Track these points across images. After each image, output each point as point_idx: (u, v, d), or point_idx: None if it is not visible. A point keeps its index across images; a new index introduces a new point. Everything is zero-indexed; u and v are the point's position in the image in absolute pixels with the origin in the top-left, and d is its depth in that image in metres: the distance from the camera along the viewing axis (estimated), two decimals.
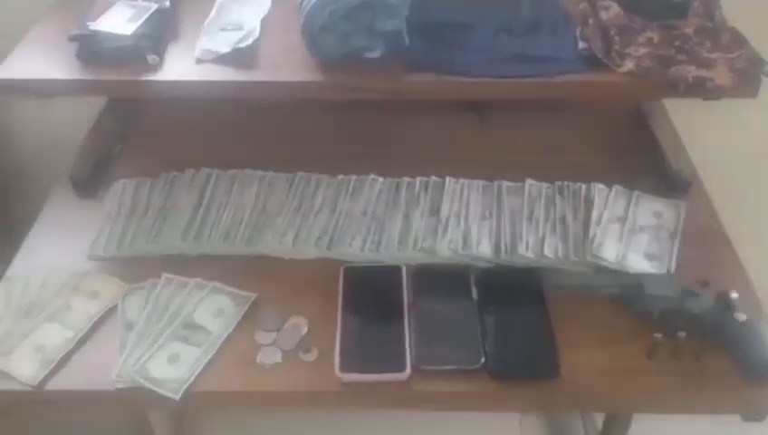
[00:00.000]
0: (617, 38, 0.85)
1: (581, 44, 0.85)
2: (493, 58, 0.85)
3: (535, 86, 0.82)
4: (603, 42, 0.85)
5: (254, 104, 1.01)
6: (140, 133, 1.09)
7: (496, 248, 0.88)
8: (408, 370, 0.74)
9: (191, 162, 1.00)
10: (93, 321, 0.80)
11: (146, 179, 0.98)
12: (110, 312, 0.81)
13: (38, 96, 0.86)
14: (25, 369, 0.75)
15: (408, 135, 1.07)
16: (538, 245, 0.88)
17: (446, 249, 0.88)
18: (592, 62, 0.83)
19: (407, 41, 0.83)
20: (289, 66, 0.84)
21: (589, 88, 0.83)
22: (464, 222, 0.92)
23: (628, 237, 0.90)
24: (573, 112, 1.10)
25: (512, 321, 0.79)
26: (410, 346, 0.76)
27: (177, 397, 0.73)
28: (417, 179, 0.98)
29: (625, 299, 0.81)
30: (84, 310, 0.81)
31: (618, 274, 0.85)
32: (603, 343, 0.78)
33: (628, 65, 0.83)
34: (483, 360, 0.75)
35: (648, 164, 1.02)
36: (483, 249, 0.88)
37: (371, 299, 0.82)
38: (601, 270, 0.86)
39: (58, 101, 0.87)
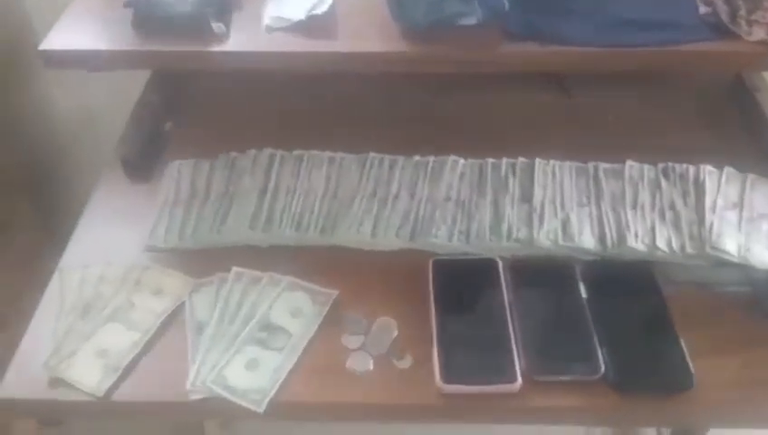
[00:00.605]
0: (741, 2, 0.75)
1: (703, 8, 0.75)
2: (601, 24, 0.75)
3: (656, 56, 0.72)
4: (728, 5, 0.75)
5: (316, 76, 0.91)
6: (191, 108, 0.99)
7: (601, 239, 0.79)
8: (520, 380, 0.65)
9: (249, 141, 0.90)
10: (161, 320, 0.72)
11: (204, 161, 0.89)
12: (175, 311, 0.73)
13: (91, 69, 0.77)
14: (89, 377, 0.67)
15: (487, 112, 0.97)
16: (648, 235, 0.79)
17: (544, 240, 0.79)
18: (716, 29, 0.73)
19: (506, 5, 0.73)
20: (371, 35, 0.74)
21: (717, 58, 0.73)
22: (560, 209, 0.82)
23: (748, 226, 0.80)
24: (664, 85, 1.00)
25: (629, 323, 0.70)
26: (519, 353, 0.67)
27: (261, 410, 0.65)
28: (504, 161, 0.88)
29: (757, 297, 0.72)
30: (149, 308, 0.73)
31: (741, 268, 0.75)
32: (734, 349, 0.69)
33: (760, 33, 0.72)
34: (602, 369, 0.66)
35: (756, 144, 0.92)
36: (586, 240, 0.79)
37: (467, 296, 0.73)
38: (722, 264, 0.76)
39: (99, 74, 0.79)
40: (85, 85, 1.06)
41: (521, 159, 0.88)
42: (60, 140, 1.22)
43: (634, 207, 0.82)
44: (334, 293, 0.74)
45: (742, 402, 0.67)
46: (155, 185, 0.88)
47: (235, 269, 0.76)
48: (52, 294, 0.75)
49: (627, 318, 0.71)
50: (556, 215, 0.81)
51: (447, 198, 0.84)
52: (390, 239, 0.80)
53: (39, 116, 1.18)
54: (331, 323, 0.72)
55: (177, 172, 0.89)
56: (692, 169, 0.86)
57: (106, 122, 1.03)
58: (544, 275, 0.75)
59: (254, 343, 0.69)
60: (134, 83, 0.99)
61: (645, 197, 0.83)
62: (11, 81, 1.11)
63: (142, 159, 0.91)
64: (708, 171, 0.86)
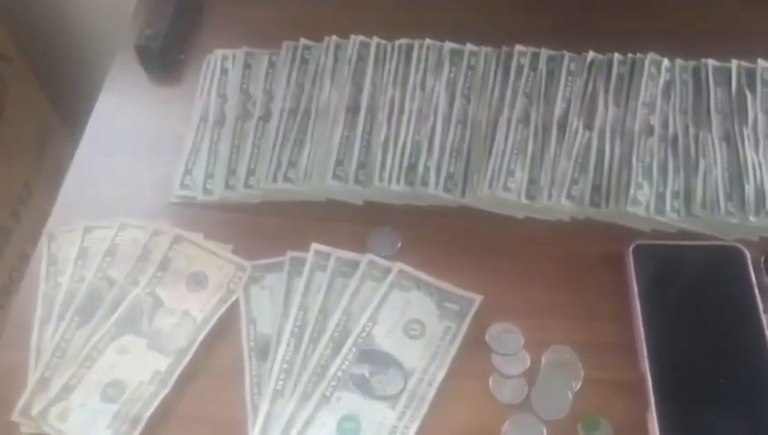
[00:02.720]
0: None
1: None
2: None
3: None
4: None
5: None
6: None
7: None
8: None
9: (327, 22, 0.59)
10: (202, 336, 0.45)
11: (260, 52, 0.59)
12: (226, 313, 0.47)
13: None
14: (95, 433, 0.42)
15: None
16: None
17: None
18: None
19: None
20: None
21: None
22: None
23: None
24: None
25: None
26: None
27: None
28: (733, 64, 0.55)
29: None
30: (184, 311, 0.46)
31: None
32: None
33: None
34: None
35: None
36: None
37: (695, 315, 0.45)
38: None
39: None
40: None
41: (762, 63, 0.55)
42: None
43: None
44: (476, 298, 0.46)
45: None
46: (187, 88, 0.59)
47: (315, 246, 0.48)
48: (37, 271, 0.49)
49: None
50: None
51: (648, 129, 0.52)
52: (559, 202, 0.50)
53: None
54: (472, 351, 0.45)
55: (220, 70, 0.58)
56: None
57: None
58: None
59: (350, 386, 0.43)
60: None
61: None
62: None
63: (168, 46, 0.60)
64: None
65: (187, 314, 0.46)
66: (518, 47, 0.57)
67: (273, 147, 0.53)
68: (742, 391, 0.41)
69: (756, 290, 0.45)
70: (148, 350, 0.45)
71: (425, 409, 0.42)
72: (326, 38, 0.58)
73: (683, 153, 0.51)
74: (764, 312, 0.44)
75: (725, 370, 0.42)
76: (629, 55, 0.56)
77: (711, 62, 0.55)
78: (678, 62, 0.56)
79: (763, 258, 0.46)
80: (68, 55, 0.89)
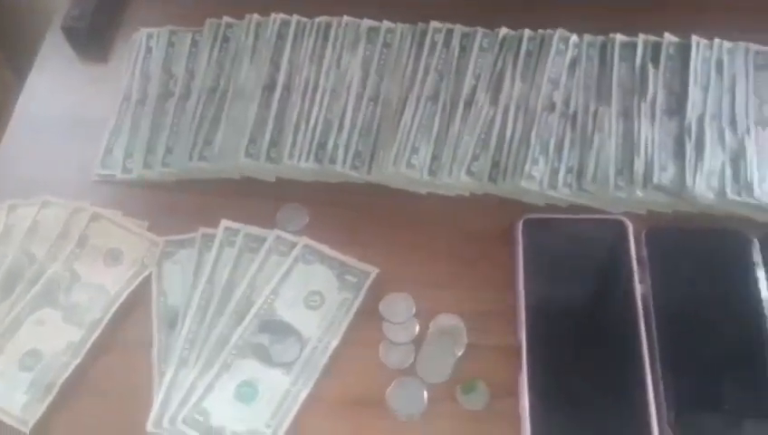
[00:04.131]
0: None
1: None
2: None
3: None
4: None
5: None
6: None
7: None
8: None
9: (244, 2, 0.60)
10: (115, 307, 0.49)
11: (183, 31, 0.60)
12: (136, 288, 0.50)
13: None
14: (13, 399, 0.46)
15: None
16: None
17: (704, 188, 0.50)
18: None
19: None
20: None
21: None
22: (730, 130, 0.52)
23: None
24: None
25: None
26: (657, 397, 0.43)
27: None
28: (640, 39, 0.56)
29: None
30: (98, 285, 0.49)
31: None
32: None
33: None
34: None
35: None
36: None
37: (576, 284, 0.47)
38: None
39: None
40: None
41: (668, 37, 0.56)
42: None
43: None
44: (372, 270, 0.49)
45: None
46: (114, 67, 0.61)
47: (225, 223, 0.51)
48: None
49: None
50: (722, 142, 0.52)
51: (550, 106, 0.54)
52: (459, 177, 0.52)
53: None
54: (366, 320, 0.48)
55: (145, 49, 0.60)
56: None
57: None
58: (700, 254, 0.48)
59: (250, 355, 0.46)
60: None
61: None
62: None
63: (95, 26, 0.62)
64: None
65: (101, 288, 0.49)
66: (433, 24, 0.58)
67: (191, 126, 0.55)
68: (609, 359, 0.44)
69: (634, 261, 0.47)
70: (64, 322, 0.48)
71: (317, 374, 0.46)
72: (247, 16, 0.60)
73: (580, 129, 0.53)
74: (641, 282, 0.47)
75: (596, 338, 0.45)
76: (539, 31, 0.57)
77: (619, 37, 0.57)
78: (587, 37, 0.57)
79: (644, 231, 0.49)
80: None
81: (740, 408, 0.42)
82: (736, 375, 0.43)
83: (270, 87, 0.56)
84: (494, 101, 0.55)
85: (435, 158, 0.53)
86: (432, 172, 0.52)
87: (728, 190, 0.49)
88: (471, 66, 0.56)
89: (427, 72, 0.56)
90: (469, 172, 0.52)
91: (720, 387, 0.43)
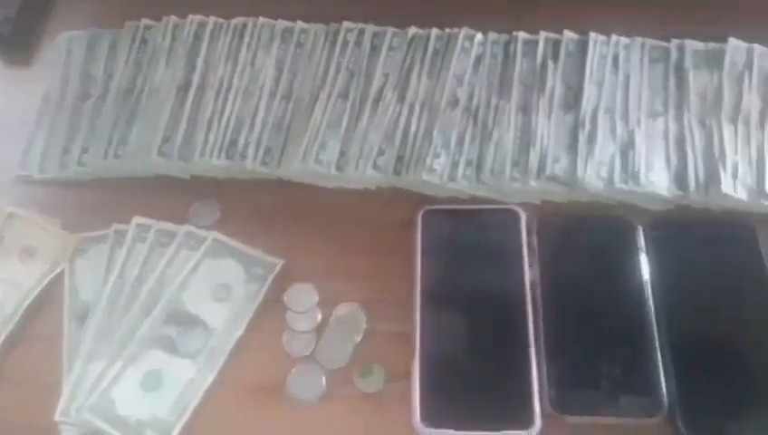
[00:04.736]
0: None
1: None
2: None
3: None
4: None
5: None
6: None
7: (679, 177, 0.52)
8: (539, 424, 0.44)
9: (164, 5, 0.62)
10: (27, 302, 0.50)
11: (103, 33, 0.62)
12: (49, 283, 0.51)
13: None
14: None
15: None
16: (752, 171, 0.52)
17: (593, 178, 0.53)
18: None
19: None
20: None
21: None
22: (621, 123, 0.55)
23: None
24: None
25: (714, 326, 0.47)
26: (541, 377, 0.45)
27: None
28: (541, 36, 0.59)
29: None
30: (13, 281, 0.51)
31: None
32: None
33: None
34: (665, 406, 0.44)
35: None
36: (657, 178, 0.52)
37: (470, 273, 0.50)
38: None
39: None
40: None
41: (568, 34, 0.59)
42: None
43: (734, 119, 0.54)
44: (277, 262, 0.51)
45: None
46: (38, 70, 0.62)
47: (137, 219, 0.53)
48: None
49: (711, 319, 0.47)
50: (614, 134, 0.54)
51: (454, 102, 0.57)
52: (365, 172, 0.54)
53: None
54: (271, 311, 0.50)
55: (66, 51, 0.62)
56: None
57: None
58: (587, 240, 0.50)
59: (156, 346, 0.48)
60: None
61: (752, 101, 0.55)
62: None
63: (19, 30, 0.63)
64: None
65: (15, 284, 0.51)
66: (346, 24, 0.60)
67: (107, 126, 0.57)
68: (498, 342, 0.46)
69: (525, 249, 0.50)
70: None
71: (221, 363, 0.47)
72: (165, 18, 0.61)
73: (481, 124, 0.55)
74: (531, 268, 0.49)
75: (487, 322, 0.47)
76: (447, 30, 0.60)
77: (521, 34, 0.59)
78: (491, 36, 0.59)
79: (535, 220, 0.51)
80: None
81: (617, 384, 0.45)
82: (616, 354, 0.46)
83: (185, 87, 0.58)
84: (402, 98, 0.57)
85: (342, 153, 0.55)
86: (339, 167, 0.54)
87: (616, 179, 0.52)
88: (380, 65, 0.58)
89: (338, 71, 0.58)
90: (375, 166, 0.54)
91: (600, 365, 0.45)
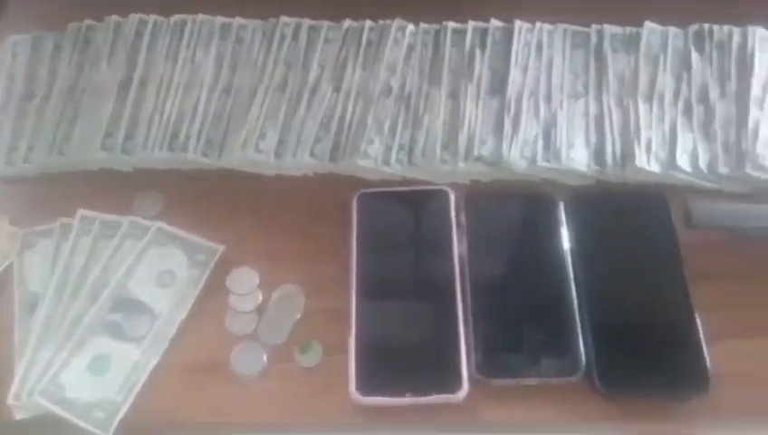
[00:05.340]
0: None
1: None
2: None
3: None
4: None
5: None
6: None
7: (598, 154, 0.56)
8: (466, 388, 0.47)
9: (108, 4, 0.63)
10: None
11: (47, 35, 0.64)
12: (1, 276, 0.53)
13: None
14: None
15: None
16: (665, 146, 0.56)
17: (518, 158, 0.56)
18: None
19: None
20: None
21: None
22: (545, 105, 0.58)
23: None
24: None
25: (628, 292, 0.50)
26: (468, 344, 0.48)
27: (108, 433, 0.47)
28: (470, 26, 0.62)
29: None
30: None
31: None
32: None
33: None
34: (583, 366, 0.47)
35: None
36: (577, 156, 0.56)
37: (402, 252, 0.52)
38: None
39: None
40: None
41: (494, 22, 0.62)
42: None
43: (649, 97, 0.58)
44: (218, 248, 0.53)
45: None
46: None
47: (81, 212, 0.54)
48: None
49: (625, 285, 0.50)
50: (537, 116, 0.57)
51: (387, 90, 0.59)
52: (303, 159, 0.57)
53: None
54: (214, 294, 0.52)
55: (11, 55, 0.63)
56: (737, 33, 0.60)
57: None
58: (512, 216, 0.54)
59: (103, 331, 0.50)
60: None
61: (666, 81, 0.59)
62: None
63: None
64: (760, 37, 0.60)
65: None
66: (283, 19, 0.63)
67: (51, 124, 0.58)
68: (429, 315, 0.49)
69: (454, 226, 0.53)
70: None
71: (165, 345, 0.50)
72: (107, 18, 0.63)
73: (413, 110, 0.58)
74: (459, 244, 0.52)
75: (419, 297, 0.50)
76: (380, 22, 0.62)
77: (451, 24, 0.62)
78: (422, 26, 0.62)
79: (464, 199, 0.54)
80: None
81: (539, 348, 0.48)
82: (538, 320, 0.49)
83: (126, 84, 0.60)
84: (337, 88, 0.59)
85: (281, 142, 0.57)
86: (278, 155, 0.57)
87: (539, 158, 0.55)
88: (317, 57, 0.61)
89: (276, 64, 0.61)
90: (312, 154, 0.57)
91: (523, 331, 0.48)
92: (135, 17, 0.63)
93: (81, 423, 0.47)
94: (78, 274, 0.52)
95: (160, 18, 0.63)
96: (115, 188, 0.57)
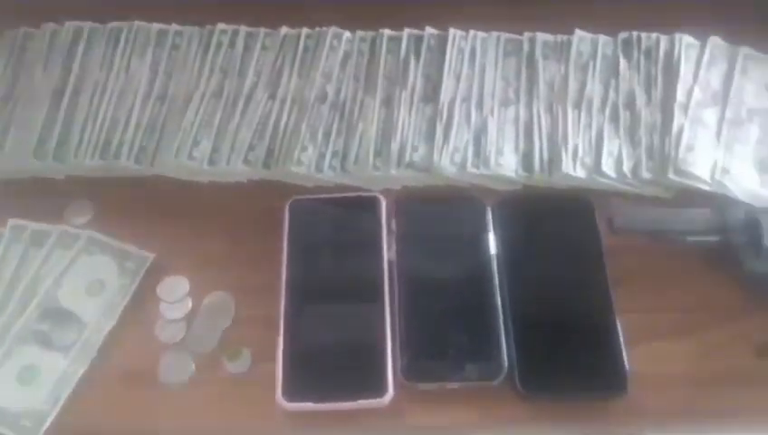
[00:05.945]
0: None
1: None
2: None
3: None
4: None
5: None
6: None
7: (527, 159, 0.57)
8: (391, 392, 0.47)
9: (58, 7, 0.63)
10: None
11: None
12: None
13: None
14: None
15: None
16: (591, 152, 0.57)
17: (448, 164, 0.56)
18: None
19: None
20: None
21: None
22: (476, 112, 0.59)
23: (731, 133, 0.58)
24: None
25: (552, 296, 0.51)
26: (394, 349, 0.49)
27: None
28: (405, 33, 0.62)
29: (730, 252, 0.52)
30: None
31: (713, 206, 0.55)
32: (688, 330, 0.51)
33: None
34: (505, 369, 0.48)
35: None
36: (506, 162, 0.57)
37: (331, 259, 0.53)
38: (688, 197, 0.56)
39: None
40: None
41: (429, 30, 0.63)
42: None
43: (578, 104, 0.59)
44: (149, 256, 0.53)
45: (699, 405, 0.48)
46: None
47: (12, 221, 0.54)
48: None
49: (550, 289, 0.51)
50: (469, 123, 0.58)
51: (322, 98, 0.60)
52: (236, 166, 0.57)
53: None
54: (145, 302, 0.52)
55: None
56: (664, 40, 0.62)
57: None
58: (441, 221, 0.54)
59: (31, 342, 0.50)
60: None
61: (595, 87, 0.60)
62: None
63: None
64: (686, 44, 0.62)
65: None
66: (220, 26, 0.63)
67: None
68: (358, 320, 0.50)
69: (384, 231, 0.53)
70: None
71: (93, 354, 0.50)
72: (44, 25, 0.63)
73: (347, 117, 0.59)
74: (389, 249, 0.53)
75: (348, 302, 0.51)
76: (317, 29, 0.63)
77: (387, 32, 0.63)
78: (359, 33, 0.63)
79: (394, 205, 0.55)
80: None
81: (463, 352, 0.49)
82: (463, 325, 0.50)
83: (60, 91, 0.60)
84: (273, 95, 0.60)
85: (215, 149, 0.57)
86: (212, 162, 0.57)
87: (468, 164, 0.56)
88: (253, 64, 0.61)
89: (212, 71, 0.61)
90: (246, 161, 0.57)
91: (448, 336, 0.49)
92: (71, 25, 0.62)
93: (9, 433, 0.47)
94: (8, 284, 0.52)
95: (96, 25, 0.63)
96: (45, 197, 0.57)
